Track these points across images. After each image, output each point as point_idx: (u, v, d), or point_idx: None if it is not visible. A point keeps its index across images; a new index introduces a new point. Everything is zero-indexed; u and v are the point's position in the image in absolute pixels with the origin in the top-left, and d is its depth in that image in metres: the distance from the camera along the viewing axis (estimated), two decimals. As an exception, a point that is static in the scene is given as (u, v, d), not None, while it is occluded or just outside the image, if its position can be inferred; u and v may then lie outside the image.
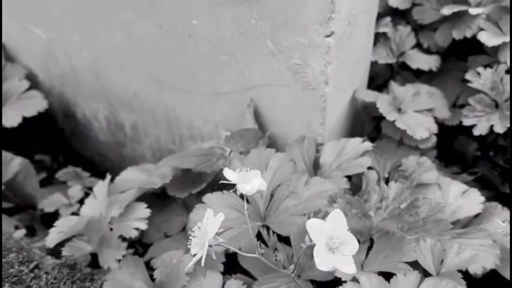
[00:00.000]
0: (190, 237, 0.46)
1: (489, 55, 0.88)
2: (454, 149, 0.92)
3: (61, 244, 0.68)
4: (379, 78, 1.00)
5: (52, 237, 0.64)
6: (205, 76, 0.83)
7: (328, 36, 0.66)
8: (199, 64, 0.81)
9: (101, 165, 1.16)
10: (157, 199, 0.80)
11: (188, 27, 0.78)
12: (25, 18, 0.98)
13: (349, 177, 0.72)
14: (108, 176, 0.73)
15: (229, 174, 0.47)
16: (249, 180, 0.47)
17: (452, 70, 0.95)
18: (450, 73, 0.94)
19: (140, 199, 0.73)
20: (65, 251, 0.64)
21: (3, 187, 0.86)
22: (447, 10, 0.85)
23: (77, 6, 0.87)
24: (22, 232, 0.86)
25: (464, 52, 0.94)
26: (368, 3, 0.74)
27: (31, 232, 0.89)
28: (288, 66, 0.73)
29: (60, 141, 1.17)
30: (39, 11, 0.94)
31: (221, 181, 0.49)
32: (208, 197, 0.67)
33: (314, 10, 0.65)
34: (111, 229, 0.65)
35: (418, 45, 0.92)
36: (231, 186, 0.52)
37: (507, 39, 0.80)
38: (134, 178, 0.76)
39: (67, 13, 0.90)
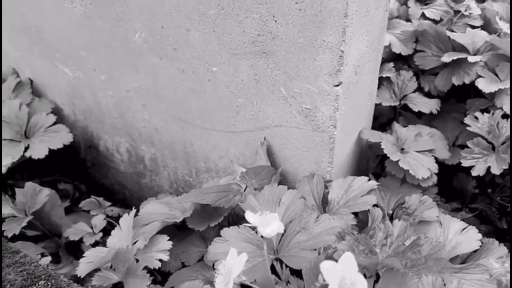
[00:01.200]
0: (214, 275, 0.51)
1: (487, 99, 0.94)
2: (453, 186, 0.98)
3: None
4: (383, 117, 1.06)
5: (83, 267, 0.70)
6: (222, 116, 0.89)
7: (336, 85, 0.73)
8: (217, 105, 0.88)
9: (120, 193, 1.22)
10: (176, 230, 0.86)
11: (209, 73, 0.85)
12: (54, 57, 1.06)
13: (355, 213, 0.78)
14: (134, 210, 0.79)
15: (250, 218, 0.53)
16: (268, 223, 0.53)
17: (452, 111, 1.01)
18: (450, 114, 1.00)
19: (161, 230, 0.79)
20: (94, 281, 0.69)
21: (31, 216, 0.92)
22: (447, 58, 0.92)
23: (105, 49, 0.95)
24: (48, 259, 0.92)
25: (463, 95, 1.00)
26: (373, 54, 0.81)
27: (55, 259, 0.95)
28: (299, 110, 0.79)
29: (81, 170, 1.23)
30: (68, 52, 1.02)
31: (245, 224, 0.54)
32: (225, 231, 0.73)
33: (324, 63, 0.72)
34: (137, 260, 0.71)
35: (420, 89, 0.99)
36: (246, 219, 0.57)
37: (503, 85, 0.87)
38: (156, 211, 0.82)
39: (95, 55, 0.98)
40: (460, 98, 1.02)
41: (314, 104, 0.77)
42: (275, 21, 0.72)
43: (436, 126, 0.99)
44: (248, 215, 0.54)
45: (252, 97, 0.83)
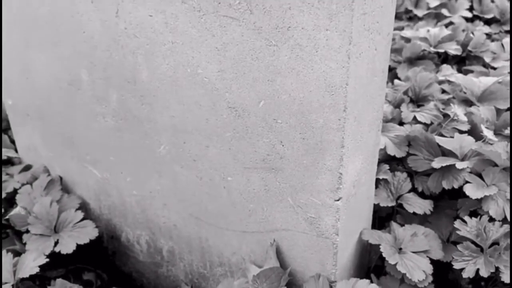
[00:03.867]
0: None
1: (476, 199, 1.04)
2: (449, 279, 1.05)
3: None
4: (382, 212, 1.16)
5: None
6: (235, 218, 0.99)
7: (337, 200, 0.84)
8: (231, 209, 0.98)
9: (138, 280, 1.30)
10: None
11: (224, 181, 0.96)
12: (84, 160, 1.18)
13: (358, 313, 0.85)
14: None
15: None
16: None
17: (446, 207, 1.10)
18: (444, 211, 1.10)
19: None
20: None
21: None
22: (436, 164, 1.03)
23: (133, 156, 1.07)
24: None
25: (455, 192, 1.10)
26: (369, 167, 0.92)
27: None
28: (305, 218, 0.89)
29: (103, 258, 1.32)
30: (98, 156, 1.14)
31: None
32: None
33: (325, 181, 0.83)
34: None
35: (414, 189, 1.09)
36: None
37: (489, 192, 0.96)
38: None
39: (123, 160, 1.10)
40: (453, 196, 1.11)
41: (318, 214, 0.87)
42: (283, 145, 0.84)
43: (431, 222, 1.07)
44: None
45: (262, 203, 0.93)
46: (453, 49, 1.55)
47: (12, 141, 1.45)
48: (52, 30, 1.02)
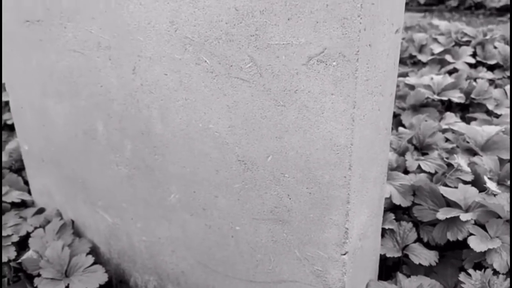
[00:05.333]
0: None
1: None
2: (457, 332, 1.05)
3: None
4: (389, 261, 1.16)
5: None
6: (242, 267, 1.01)
7: (343, 254, 0.85)
8: (239, 258, 1.00)
9: (144, 326, 1.31)
10: None
11: (232, 231, 0.98)
12: (96, 205, 1.21)
13: None
14: None
15: None
16: None
17: (451, 257, 1.11)
18: (449, 260, 1.10)
19: None
20: None
21: None
22: (441, 215, 1.04)
23: (144, 203, 1.10)
24: None
25: (461, 242, 1.11)
26: (374, 219, 0.94)
27: None
28: (312, 270, 0.91)
29: (110, 302, 1.33)
30: (110, 202, 1.18)
31: None
32: None
33: (331, 236, 0.85)
34: None
35: (420, 239, 1.10)
36: None
37: (492, 245, 0.97)
38: None
39: (134, 207, 1.13)
40: (458, 245, 1.12)
41: (324, 267, 0.89)
42: (290, 198, 0.87)
43: (437, 272, 1.08)
44: None
45: (269, 254, 0.95)
46: (457, 97, 1.59)
47: (26, 182, 1.50)
48: (70, 82, 1.07)
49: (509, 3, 4.52)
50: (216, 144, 0.91)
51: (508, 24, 4.07)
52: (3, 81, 1.74)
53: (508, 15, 4.44)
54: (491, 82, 2.01)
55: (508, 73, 2.09)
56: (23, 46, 1.14)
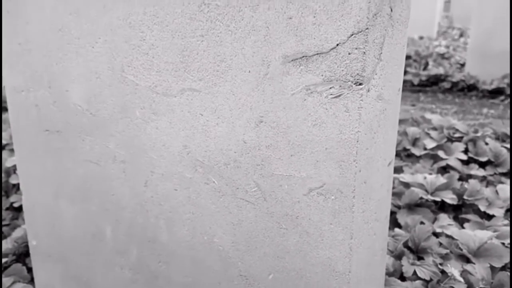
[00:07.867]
0: None
1: None
2: None
3: None
4: None
5: None
6: None
7: None
8: None
9: None
10: None
11: None
12: None
13: None
14: None
15: None
16: None
17: None
18: None
19: None
20: None
21: None
22: (437, 329, 1.07)
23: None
24: None
25: None
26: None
27: None
28: None
29: None
30: None
31: None
32: None
33: None
34: None
35: None
36: None
37: None
38: None
39: None
40: None
41: None
42: None
43: None
44: None
45: None
46: (449, 198, 1.66)
47: (29, 270, 1.52)
48: (83, 189, 1.14)
49: (500, 86, 4.78)
50: (220, 258, 0.95)
51: (500, 108, 4.27)
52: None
53: (501, 98, 4.67)
54: (483, 178, 2.09)
55: (499, 169, 2.18)
56: (40, 152, 1.22)
